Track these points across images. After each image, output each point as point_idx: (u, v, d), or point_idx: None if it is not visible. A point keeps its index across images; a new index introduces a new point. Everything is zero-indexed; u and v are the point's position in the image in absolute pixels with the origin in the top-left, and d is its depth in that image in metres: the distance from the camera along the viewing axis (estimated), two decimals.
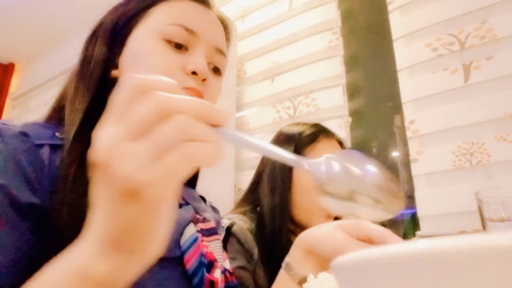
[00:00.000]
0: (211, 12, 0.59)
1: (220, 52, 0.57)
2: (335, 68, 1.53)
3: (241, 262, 0.81)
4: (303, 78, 1.60)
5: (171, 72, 0.51)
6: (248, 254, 0.83)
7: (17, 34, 1.93)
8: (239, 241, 0.83)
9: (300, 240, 0.55)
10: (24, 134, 0.44)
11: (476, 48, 1.21)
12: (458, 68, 1.23)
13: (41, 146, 0.45)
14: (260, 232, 0.86)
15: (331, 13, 1.60)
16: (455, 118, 1.20)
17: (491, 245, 0.16)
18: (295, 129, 0.98)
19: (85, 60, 0.55)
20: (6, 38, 1.97)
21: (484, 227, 0.48)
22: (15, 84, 2.33)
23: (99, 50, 0.54)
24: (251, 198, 0.96)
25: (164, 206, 0.27)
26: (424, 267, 0.17)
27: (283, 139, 0.97)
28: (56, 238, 0.39)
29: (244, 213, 0.91)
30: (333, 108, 1.50)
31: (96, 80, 0.52)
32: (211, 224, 0.59)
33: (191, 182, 0.68)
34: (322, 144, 0.94)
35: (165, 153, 0.25)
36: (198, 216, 0.58)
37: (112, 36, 0.55)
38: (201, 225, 0.57)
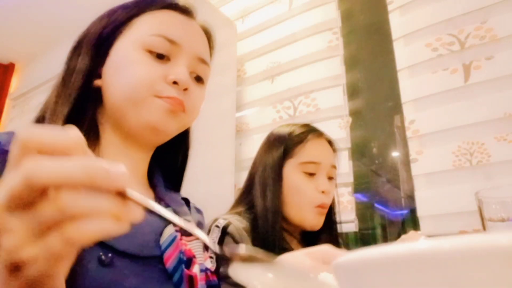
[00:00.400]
0: (194, 22, 0.60)
1: (202, 61, 0.58)
2: (335, 68, 1.53)
3: None
4: (303, 78, 1.60)
5: (152, 81, 0.52)
6: None
7: (17, 34, 1.93)
8: (235, 240, 0.84)
9: None
10: None
11: (476, 48, 1.21)
12: (458, 68, 1.23)
13: None
14: (254, 231, 0.88)
15: (331, 13, 1.60)
16: (455, 118, 1.20)
17: (491, 245, 0.16)
18: (285, 130, 1.00)
19: (68, 70, 0.55)
20: (6, 38, 1.97)
21: (484, 227, 0.48)
22: (15, 84, 2.33)
23: (82, 61, 0.54)
24: (245, 200, 0.98)
25: (50, 282, 0.26)
26: (424, 267, 0.17)
27: (274, 140, 0.99)
28: None
29: (239, 214, 0.92)
30: (333, 108, 1.49)
31: (77, 90, 0.53)
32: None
33: (175, 185, 0.68)
34: (312, 144, 0.96)
35: (46, 232, 0.23)
36: None
37: (96, 47, 0.55)
38: None
